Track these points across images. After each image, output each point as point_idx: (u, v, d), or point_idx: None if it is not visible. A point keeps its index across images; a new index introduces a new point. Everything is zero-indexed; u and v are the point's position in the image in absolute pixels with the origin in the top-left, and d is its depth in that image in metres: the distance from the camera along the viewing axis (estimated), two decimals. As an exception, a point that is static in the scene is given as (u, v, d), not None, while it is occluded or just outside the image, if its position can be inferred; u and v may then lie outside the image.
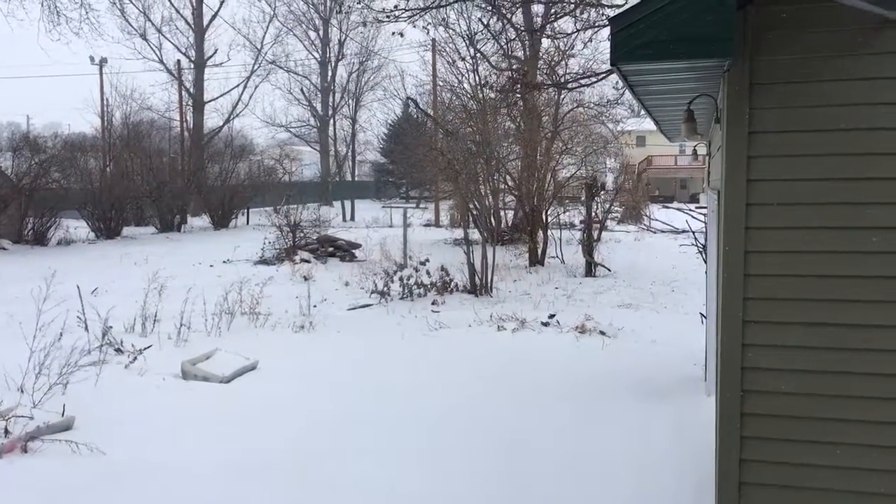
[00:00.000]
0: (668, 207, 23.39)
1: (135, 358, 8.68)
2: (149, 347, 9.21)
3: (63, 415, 6.64)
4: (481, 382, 8.39)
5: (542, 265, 19.73)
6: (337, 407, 7.54)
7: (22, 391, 7.10)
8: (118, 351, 8.96)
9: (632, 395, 7.82)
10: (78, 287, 10.51)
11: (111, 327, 9.32)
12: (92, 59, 43.43)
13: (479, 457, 6.26)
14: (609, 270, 18.19)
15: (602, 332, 10.69)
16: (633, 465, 6.00)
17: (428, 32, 27.18)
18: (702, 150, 8.33)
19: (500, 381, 8.45)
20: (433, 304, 13.56)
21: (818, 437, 3.72)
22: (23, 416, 6.32)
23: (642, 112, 6.21)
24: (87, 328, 9.30)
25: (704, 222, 9.57)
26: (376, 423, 7.04)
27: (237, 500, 5.48)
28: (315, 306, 12.66)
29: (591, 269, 18.25)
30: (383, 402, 7.65)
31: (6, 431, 6.10)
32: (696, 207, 21.07)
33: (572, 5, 16.73)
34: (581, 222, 20.20)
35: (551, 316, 11.87)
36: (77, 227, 27.79)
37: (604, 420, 7.09)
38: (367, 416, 7.24)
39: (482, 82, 23.17)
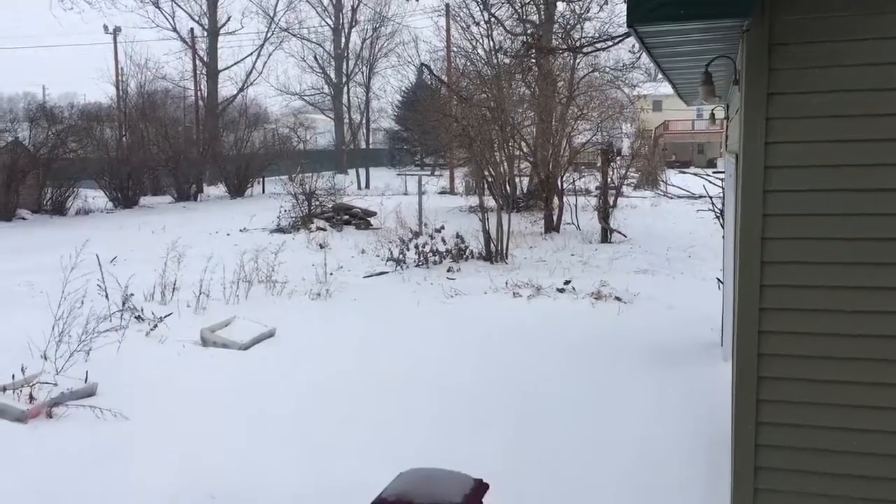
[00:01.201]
0: (684, 173, 23.20)
1: (155, 325, 8.78)
2: (168, 315, 9.31)
3: (86, 381, 6.75)
4: (497, 349, 8.43)
5: (558, 232, 19.68)
6: (355, 373, 7.61)
7: (45, 358, 7.21)
8: (138, 319, 9.07)
9: (648, 359, 7.84)
10: (97, 256, 10.60)
11: (132, 295, 9.43)
12: (106, 27, 43.40)
13: (496, 423, 6.32)
14: (625, 236, 18.14)
15: (618, 298, 10.70)
16: (649, 428, 6.04)
17: (442, -3, 26.85)
18: (720, 115, 8.23)
19: (516, 347, 8.49)
20: (448, 271, 13.59)
21: (836, 400, 3.72)
22: (47, 383, 6.44)
23: (659, 76, 6.15)
24: (107, 296, 9.40)
25: (722, 187, 9.50)
26: (394, 389, 7.10)
27: (258, 465, 5.57)
28: (331, 274, 12.73)
29: (606, 235, 18.20)
30: (400, 369, 7.71)
31: (31, 398, 6.21)
32: (714, 172, 20.85)
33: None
34: (597, 188, 20.10)
35: (567, 282, 11.88)
36: (95, 197, 27.97)
37: (620, 384, 7.12)
38: (385, 382, 7.31)
39: (496, 47, 22.98)
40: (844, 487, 3.72)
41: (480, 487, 1.10)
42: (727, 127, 7.03)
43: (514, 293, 11.20)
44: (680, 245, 16.57)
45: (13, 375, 6.44)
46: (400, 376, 7.46)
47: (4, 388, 6.30)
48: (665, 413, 6.33)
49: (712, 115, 8.92)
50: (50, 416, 6.17)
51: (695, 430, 5.90)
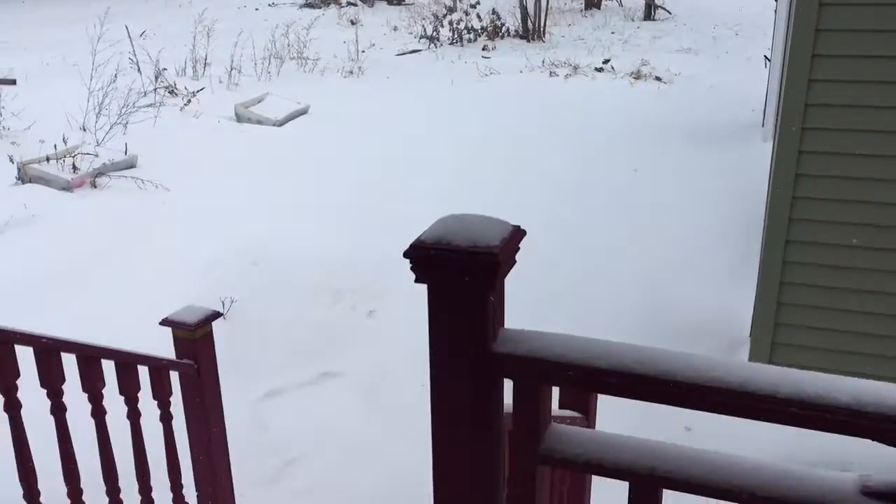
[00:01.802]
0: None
1: (189, 100, 8.77)
2: (201, 90, 9.25)
3: (126, 153, 6.87)
4: (533, 128, 8.34)
5: (599, 8, 18.74)
6: (388, 149, 7.64)
7: (84, 130, 7.31)
8: (172, 93, 9.05)
9: (686, 139, 7.73)
10: (127, 28, 10.40)
11: (165, 69, 9.34)
12: None
13: (530, 196, 6.39)
14: (669, 13, 17.25)
15: (658, 78, 10.38)
16: (686, 205, 6.09)
17: None
18: None
19: (551, 126, 8.39)
20: (483, 49, 13.19)
21: (868, 175, 3.73)
22: (88, 154, 6.57)
23: None
24: (139, 70, 9.33)
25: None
26: (427, 165, 7.15)
27: (297, 236, 5.77)
28: (363, 51, 12.42)
29: (650, 11, 17.31)
30: (433, 148, 7.71)
31: (74, 168, 6.37)
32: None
33: None
34: (643, -39, 18.84)
35: (605, 61, 11.50)
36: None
37: (657, 162, 7.09)
38: (418, 158, 7.35)
39: None
40: (863, 259, 3.82)
41: (518, 232, 1.13)
42: None
43: (550, 72, 10.90)
44: (727, 23, 15.76)
45: (55, 146, 6.56)
46: (433, 153, 7.48)
47: (48, 158, 6.45)
48: (701, 191, 6.34)
49: None
50: (94, 185, 6.36)
51: (730, 208, 5.94)
